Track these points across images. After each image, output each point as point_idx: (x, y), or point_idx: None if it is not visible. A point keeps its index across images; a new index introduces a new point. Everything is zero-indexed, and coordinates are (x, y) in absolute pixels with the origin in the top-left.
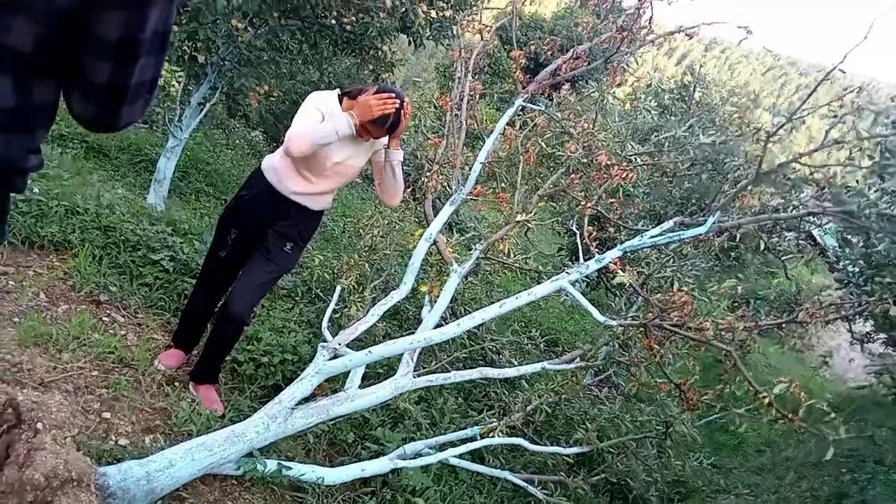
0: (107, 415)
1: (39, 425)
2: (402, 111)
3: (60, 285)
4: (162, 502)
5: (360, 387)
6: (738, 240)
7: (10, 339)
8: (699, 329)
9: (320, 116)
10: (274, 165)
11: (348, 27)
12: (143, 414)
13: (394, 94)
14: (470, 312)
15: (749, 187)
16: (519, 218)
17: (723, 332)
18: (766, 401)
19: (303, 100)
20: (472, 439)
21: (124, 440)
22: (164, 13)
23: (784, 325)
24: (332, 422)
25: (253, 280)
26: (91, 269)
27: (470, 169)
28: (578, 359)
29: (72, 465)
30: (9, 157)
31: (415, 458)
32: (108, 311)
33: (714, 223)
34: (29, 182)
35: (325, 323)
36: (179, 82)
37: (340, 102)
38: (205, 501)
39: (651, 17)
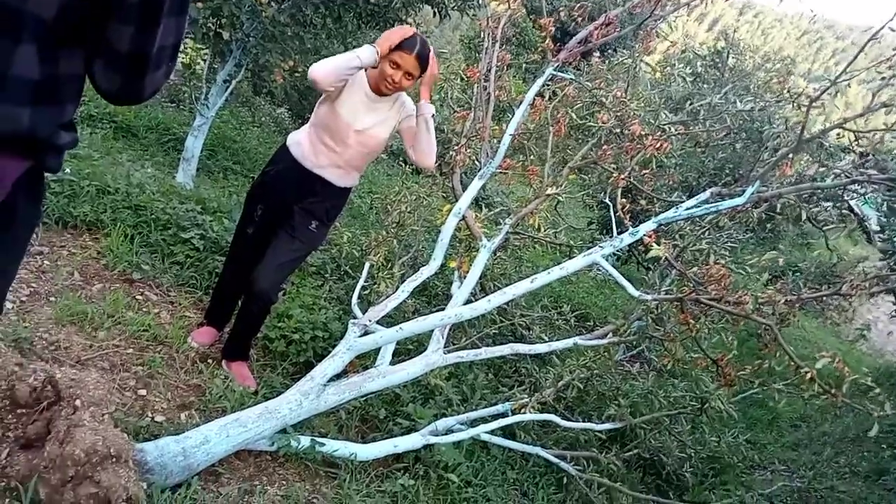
0: (142, 392)
1: (78, 402)
2: (428, 51)
3: (94, 264)
4: (198, 477)
5: (391, 363)
6: (777, 210)
7: (47, 318)
8: (738, 303)
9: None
10: (299, 140)
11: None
12: (178, 391)
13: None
14: (499, 287)
15: (790, 155)
16: (549, 191)
17: (762, 306)
18: (808, 376)
19: None
20: (504, 415)
21: (160, 416)
22: None
23: (825, 298)
24: (364, 398)
25: (278, 258)
26: (123, 248)
27: (498, 142)
28: (610, 334)
29: (110, 441)
30: (37, 132)
31: (447, 434)
32: (141, 290)
33: (753, 193)
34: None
35: (354, 299)
36: (205, 60)
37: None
38: (240, 477)
39: None
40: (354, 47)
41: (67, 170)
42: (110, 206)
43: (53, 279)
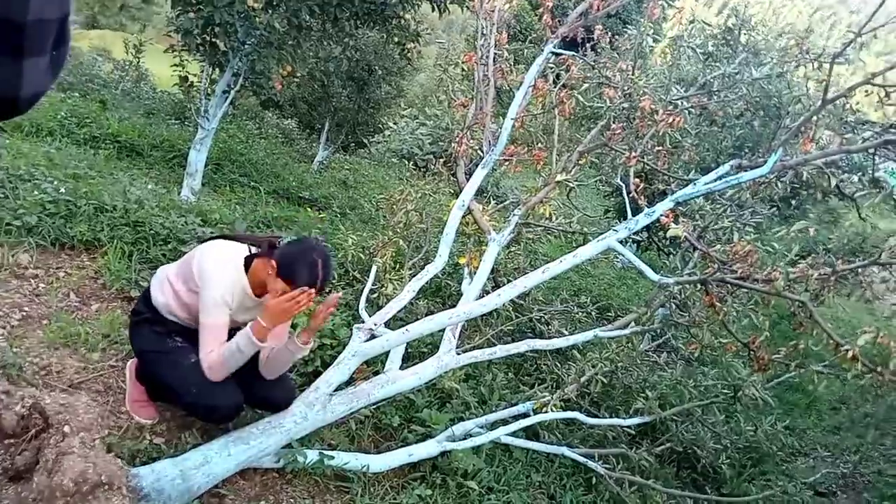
0: None
1: (67, 428)
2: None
3: (91, 284)
4: (199, 501)
5: (402, 368)
6: (802, 180)
7: (38, 342)
8: (767, 280)
9: (228, 313)
10: (171, 310)
11: None
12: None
13: (307, 288)
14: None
15: (814, 118)
16: (559, 178)
17: (794, 283)
18: (850, 354)
19: (329, 79)
20: (525, 415)
21: (159, 438)
22: None
23: (860, 271)
24: (376, 406)
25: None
26: (121, 265)
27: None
28: (633, 323)
29: (101, 468)
30: None
31: (464, 438)
32: None
33: (776, 162)
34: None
35: (362, 304)
36: (203, 71)
37: (247, 268)
38: (245, 497)
39: None
40: (352, 48)
41: (62, 189)
42: (108, 223)
43: (48, 301)
